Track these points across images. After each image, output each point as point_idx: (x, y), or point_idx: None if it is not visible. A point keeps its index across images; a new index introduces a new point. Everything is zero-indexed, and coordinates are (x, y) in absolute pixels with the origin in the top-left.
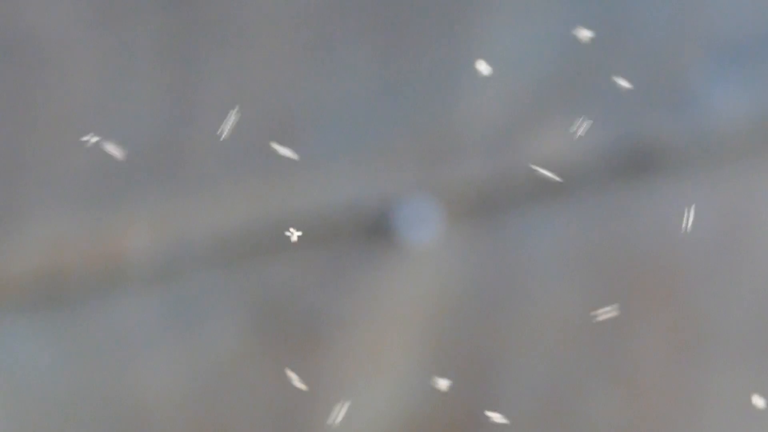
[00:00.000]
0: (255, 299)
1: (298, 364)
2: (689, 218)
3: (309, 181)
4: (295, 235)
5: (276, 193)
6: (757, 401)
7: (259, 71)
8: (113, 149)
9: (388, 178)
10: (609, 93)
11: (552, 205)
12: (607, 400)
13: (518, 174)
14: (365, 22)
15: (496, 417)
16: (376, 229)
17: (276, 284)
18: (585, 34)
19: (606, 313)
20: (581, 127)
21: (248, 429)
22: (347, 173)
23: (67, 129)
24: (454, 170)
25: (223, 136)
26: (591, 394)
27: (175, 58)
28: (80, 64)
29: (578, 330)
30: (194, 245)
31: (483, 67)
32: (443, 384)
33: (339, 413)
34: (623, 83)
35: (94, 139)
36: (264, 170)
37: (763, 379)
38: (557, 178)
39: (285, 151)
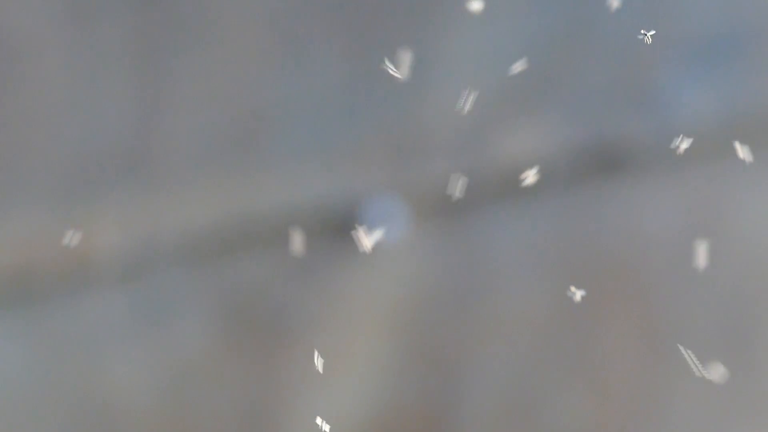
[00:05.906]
0: (223, 297)
1: (266, 362)
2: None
3: (277, 179)
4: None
5: (244, 191)
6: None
7: (229, 70)
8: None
9: (356, 177)
10: (577, 92)
11: (520, 203)
12: (574, 397)
13: (486, 173)
14: (334, 22)
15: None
16: (344, 228)
17: (244, 282)
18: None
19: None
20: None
21: (217, 427)
22: (315, 172)
23: (36, 127)
24: (422, 169)
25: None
26: (558, 391)
27: (145, 55)
28: (50, 62)
29: (545, 328)
30: (162, 243)
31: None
32: None
33: None
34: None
35: None
36: (232, 168)
37: (730, 375)
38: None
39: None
